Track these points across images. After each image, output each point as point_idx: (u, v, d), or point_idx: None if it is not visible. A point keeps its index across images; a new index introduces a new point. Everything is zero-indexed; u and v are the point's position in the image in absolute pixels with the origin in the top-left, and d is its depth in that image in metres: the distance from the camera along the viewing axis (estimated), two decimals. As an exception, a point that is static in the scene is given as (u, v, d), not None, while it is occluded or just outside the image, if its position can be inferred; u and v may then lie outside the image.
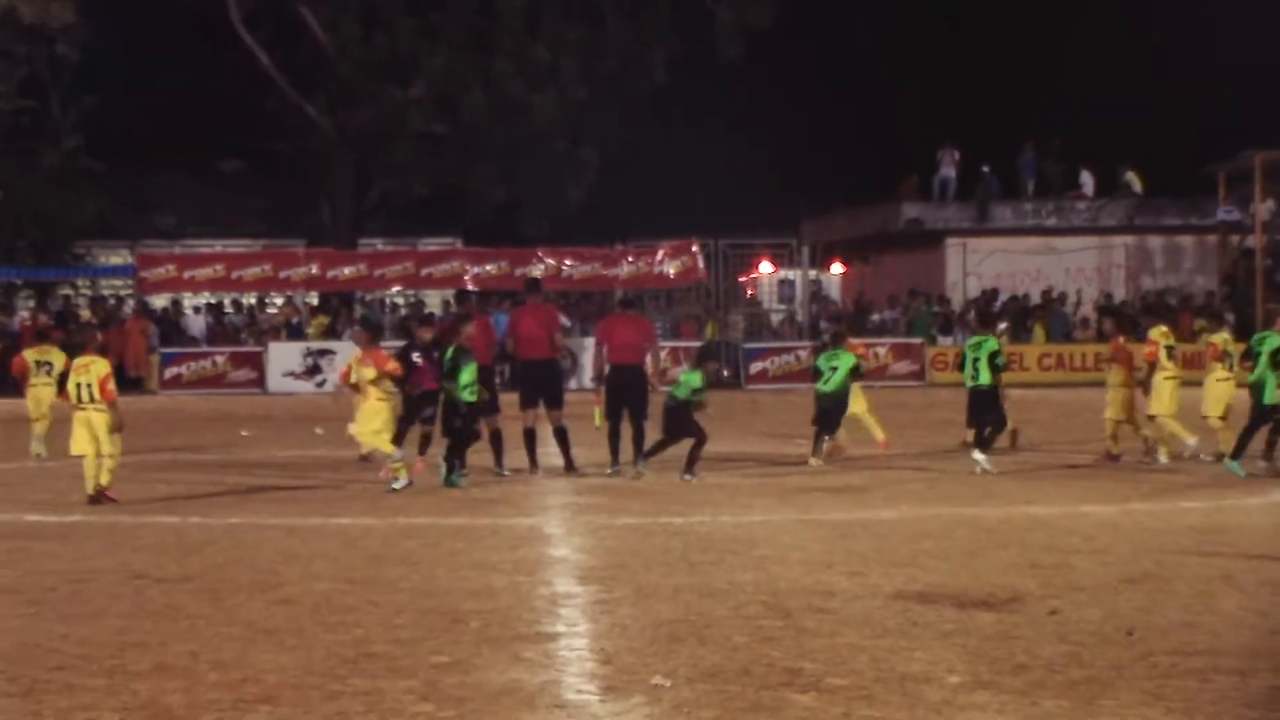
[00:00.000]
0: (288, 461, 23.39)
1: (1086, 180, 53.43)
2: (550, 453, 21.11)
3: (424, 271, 46.84)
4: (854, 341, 24.39)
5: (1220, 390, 21.44)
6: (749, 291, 52.25)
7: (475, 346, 19.97)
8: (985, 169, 53.11)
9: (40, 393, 24.05)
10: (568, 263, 45.72)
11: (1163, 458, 21.54)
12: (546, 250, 46.52)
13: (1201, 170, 51.34)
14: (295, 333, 45.59)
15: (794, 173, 57.40)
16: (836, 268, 54.90)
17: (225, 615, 11.18)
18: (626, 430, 20.69)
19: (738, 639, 10.23)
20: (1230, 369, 21.58)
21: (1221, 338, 22.07)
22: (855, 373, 22.51)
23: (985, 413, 20.64)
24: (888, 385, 42.29)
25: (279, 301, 48.07)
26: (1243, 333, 45.92)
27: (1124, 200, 53.24)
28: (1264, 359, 20.06)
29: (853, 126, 59.00)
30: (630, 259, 46.11)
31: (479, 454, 20.62)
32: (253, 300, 48.37)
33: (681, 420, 20.25)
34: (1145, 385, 21.69)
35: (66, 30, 51.21)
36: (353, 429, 19.95)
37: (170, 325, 46.23)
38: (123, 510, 17.23)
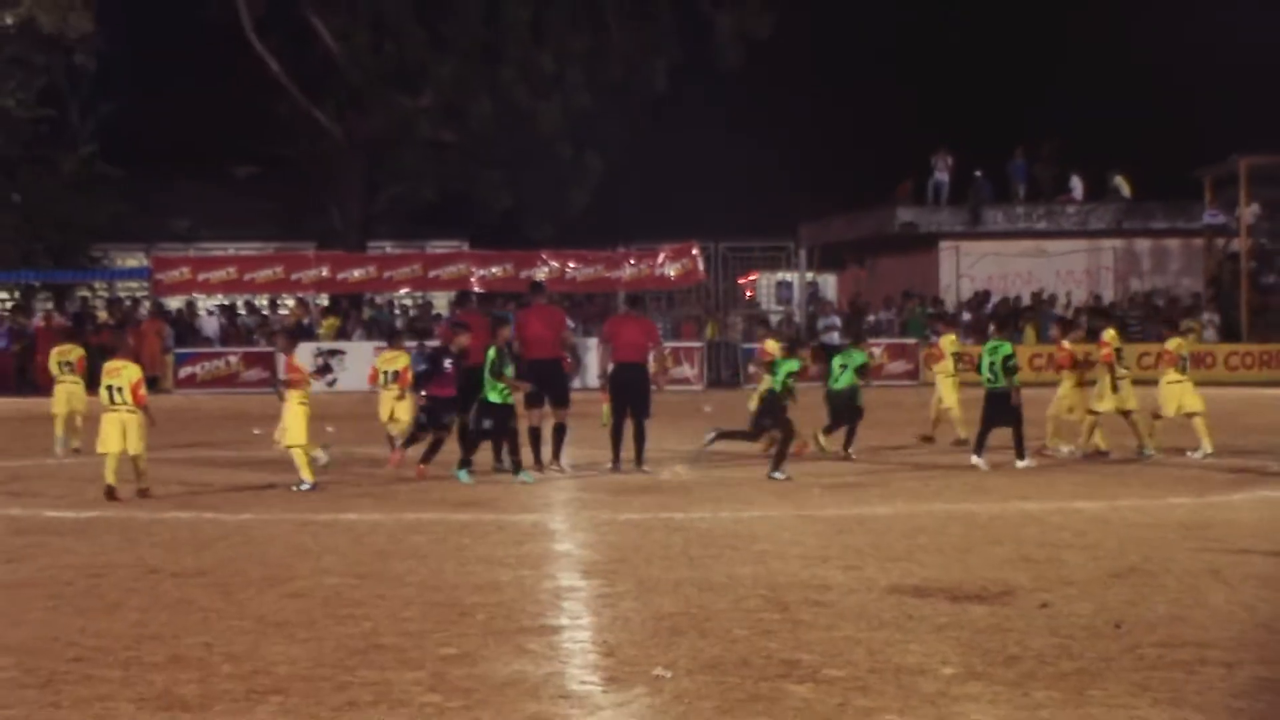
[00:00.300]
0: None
1: (1076, 185, 53.88)
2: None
3: (431, 274, 47.20)
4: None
5: (1172, 391, 22.40)
6: (748, 293, 52.52)
7: (476, 348, 20.24)
8: (977, 174, 53.70)
9: (66, 389, 24.52)
10: (571, 265, 46.10)
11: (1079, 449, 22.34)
12: (551, 253, 46.98)
13: (1188, 175, 51.73)
14: (306, 333, 45.75)
15: (792, 177, 57.71)
16: (833, 270, 55.54)
17: (237, 608, 11.30)
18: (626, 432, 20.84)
19: (737, 631, 10.35)
20: (1183, 371, 22.51)
21: (1175, 343, 22.94)
22: (863, 371, 23.21)
23: (1002, 414, 20.84)
24: (883, 385, 42.97)
25: (290, 303, 48.53)
26: (1228, 333, 47.30)
27: (1112, 204, 53.74)
28: None
29: (849, 132, 59.34)
30: (632, 261, 46.53)
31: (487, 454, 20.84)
32: (265, 302, 48.86)
33: (775, 412, 20.18)
34: (1113, 383, 22.43)
35: (84, 40, 51.64)
36: (281, 438, 19.65)
37: (185, 326, 46.71)
38: (138, 506, 17.40)
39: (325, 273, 47.01)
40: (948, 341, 25.70)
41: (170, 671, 9.34)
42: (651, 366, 21.63)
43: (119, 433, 18.11)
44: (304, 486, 18.96)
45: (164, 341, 44.58)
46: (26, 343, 43.53)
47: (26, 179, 52.04)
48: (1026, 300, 50.25)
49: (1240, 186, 49.13)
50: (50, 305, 48.91)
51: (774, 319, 50.20)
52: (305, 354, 43.84)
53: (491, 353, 19.70)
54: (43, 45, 51.96)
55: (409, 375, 22.14)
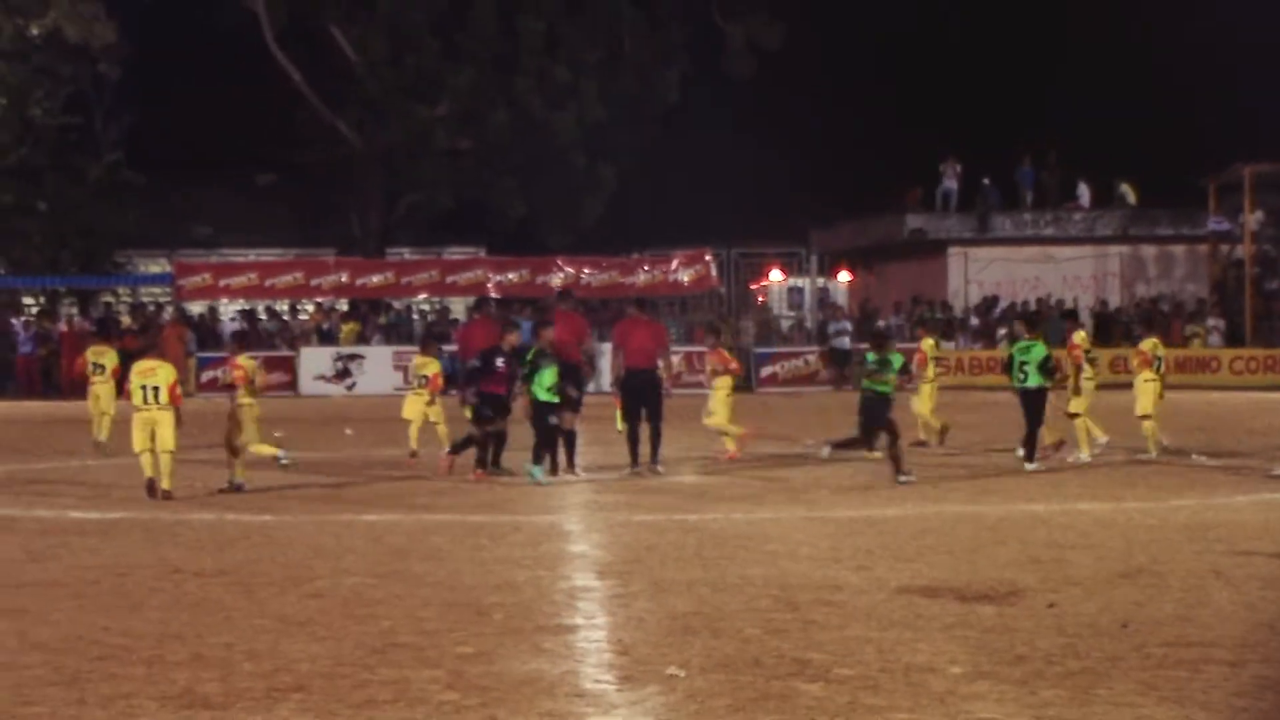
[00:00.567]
0: (318, 461, 23.16)
1: (1083, 192, 54.25)
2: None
3: (449, 279, 47.64)
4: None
5: (1148, 390, 22.70)
6: (759, 298, 52.97)
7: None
8: (985, 181, 54.08)
9: (96, 390, 24.90)
10: (586, 271, 46.48)
11: (1084, 455, 22.32)
12: (566, 259, 47.40)
13: (1194, 182, 51.80)
14: (326, 338, 46.55)
15: (803, 185, 58.33)
16: (843, 275, 55.86)
17: (259, 608, 11.29)
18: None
19: (749, 631, 10.35)
20: (1157, 371, 22.85)
21: (1150, 343, 23.36)
22: (904, 371, 23.87)
23: (1033, 413, 20.98)
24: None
25: (310, 308, 49.02)
26: (1232, 338, 47.64)
27: (1119, 211, 54.08)
28: None
29: (859, 141, 59.67)
30: (646, 267, 47.13)
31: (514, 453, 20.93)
32: (285, 307, 49.27)
33: (880, 412, 19.95)
34: (1075, 387, 22.62)
35: (108, 50, 52.28)
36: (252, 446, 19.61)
37: (206, 331, 46.96)
38: (161, 507, 17.34)
39: (344, 279, 47.46)
40: (927, 345, 26.17)
41: (193, 670, 9.36)
42: (661, 370, 21.52)
43: (148, 432, 18.18)
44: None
45: (186, 346, 44.53)
46: (52, 347, 44.05)
47: (52, 186, 52.49)
48: (1034, 306, 50.28)
49: (1245, 194, 49.18)
50: (75, 310, 49.40)
51: (785, 323, 50.84)
52: (325, 358, 44.75)
53: (530, 354, 19.91)
54: (68, 55, 52.46)
55: (439, 380, 22.78)
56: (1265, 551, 13.83)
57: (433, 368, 23.18)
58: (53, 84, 53.23)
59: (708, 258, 47.09)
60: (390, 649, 9.94)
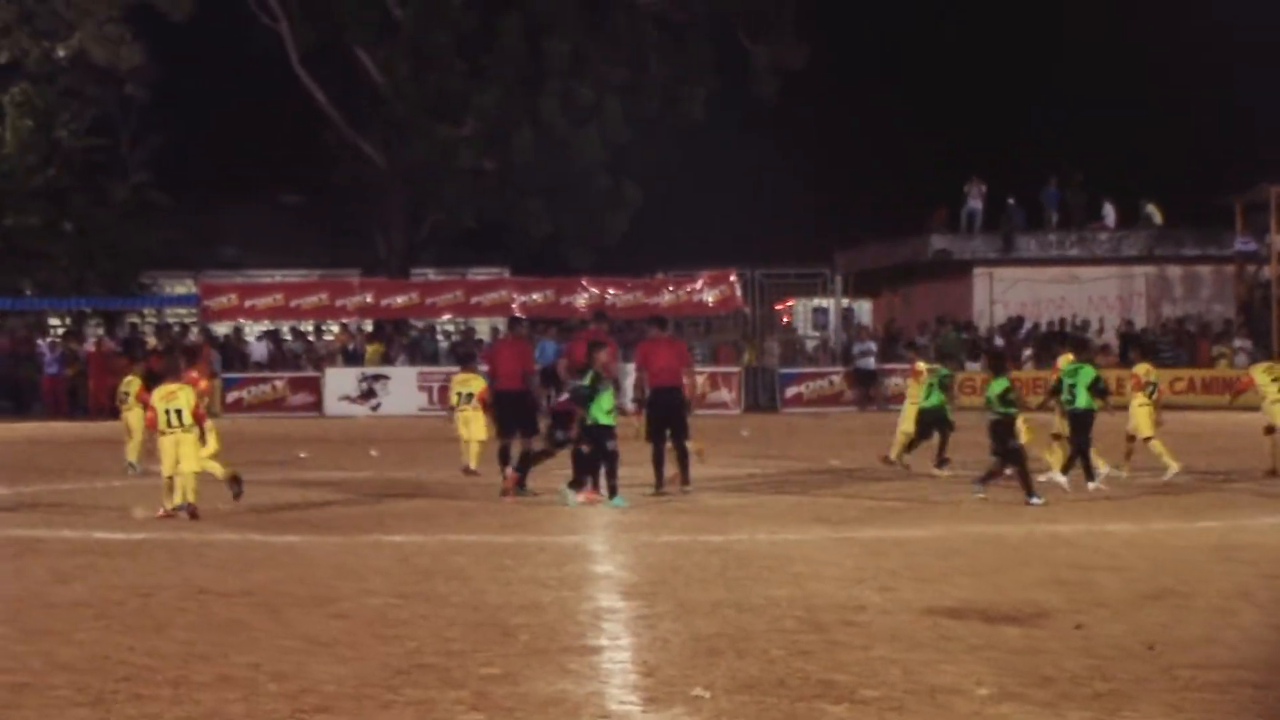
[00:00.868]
0: (343, 481, 23.40)
1: (1108, 212, 54.10)
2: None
3: (473, 300, 47.61)
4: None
5: (1143, 413, 22.70)
6: (784, 319, 53.15)
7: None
8: (1010, 201, 54.04)
9: (125, 416, 25.19)
10: (611, 292, 46.43)
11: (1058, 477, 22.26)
12: (590, 279, 47.38)
13: (1219, 202, 51.66)
14: (351, 359, 46.59)
15: (827, 205, 58.12)
16: (865, 303, 55.85)
17: (284, 628, 11.29)
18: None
19: (774, 652, 10.32)
20: (1150, 395, 22.85)
21: (1144, 368, 23.36)
22: (946, 385, 23.51)
23: (1081, 434, 20.86)
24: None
25: (335, 329, 48.98)
26: (1259, 358, 47.40)
27: (1144, 231, 53.97)
28: None
29: (884, 161, 59.74)
30: (671, 288, 47.03)
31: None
32: (310, 328, 49.35)
33: (1006, 435, 19.78)
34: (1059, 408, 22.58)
35: (135, 72, 52.50)
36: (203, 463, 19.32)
37: (232, 351, 47.11)
38: (186, 527, 17.40)
39: (369, 299, 47.53)
40: (922, 367, 26.22)
41: (218, 691, 9.38)
42: (686, 389, 21.52)
43: (174, 454, 18.42)
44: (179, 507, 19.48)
45: (211, 366, 44.68)
46: (79, 368, 44.23)
47: (79, 208, 52.63)
48: (1059, 326, 50.31)
49: (1271, 213, 48.93)
50: (101, 331, 49.53)
51: (810, 344, 50.82)
52: (350, 379, 44.84)
53: (588, 377, 19.75)
54: (95, 77, 52.75)
55: (487, 394, 22.86)
56: (1293, 573, 13.75)
57: (477, 384, 23.39)
58: (79, 106, 53.51)
59: (732, 278, 47.07)
60: (415, 670, 9.93)
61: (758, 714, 8.82)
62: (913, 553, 15.18)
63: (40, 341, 46.13)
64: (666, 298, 46.51)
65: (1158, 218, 54.34)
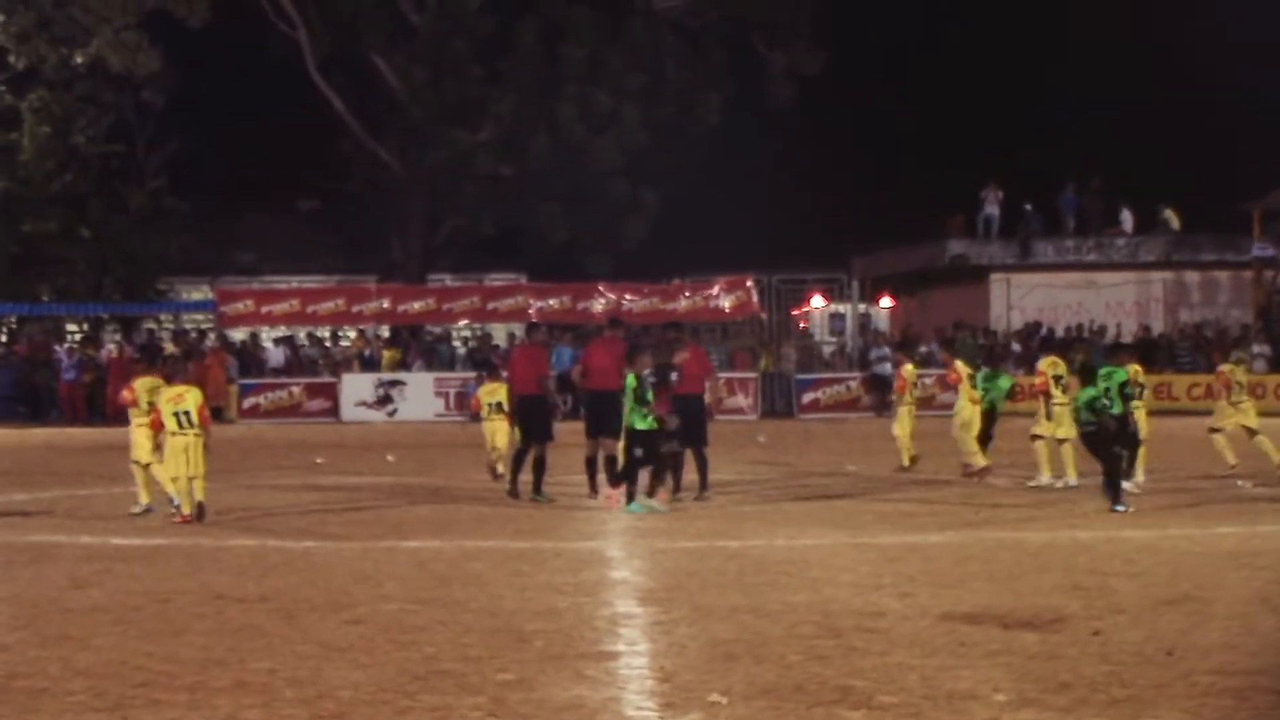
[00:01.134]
0: (360, 487, 23.48)
1: (1126, 217, 54.11)
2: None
3: (490, 306, 47.68)
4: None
5: (1135, 418, 22.42)
6: (801, 324, 52.96)
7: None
8: (1027, 207, 54.07)
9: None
10: (628, 297, 46.33)
11: (1045, 478, 22.41)
12: (607, 285, 47.31)
13: (1237, 208, 51.80)
14: (368, 364, 46.54)
15: (844, 211, 58.10)
16: (885, 301, 55.80)
17: (301, 634, 11.31)
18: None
19: (791, 658, 10.34)
20: (1139, 398, 22.47)
21: (1132, 369, 22.88)
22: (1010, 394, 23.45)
23: (1121, 438, 20.47)
24: (934, 414, 43.50)
25: (352, 334, 49.03)
26: (1277, 364, 47.44)
27: (1162, 237, 53.99)
28: None
29: (900, 167, 59.82)
30: (687, 294, 46.90)
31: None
32: (327, 333, 49.25)
33: (1103, 442, 19.71)
34: (1046, 412, 22.69)
35: (152, 78, 52.56)
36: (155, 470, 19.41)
37: (249, 357, 47.13)
38: (203, 533, 17.45)
39: (386, 305, 47.60)
40: (908, 372, 26.25)
41: (235, 696, 9.42)
42: (707, 396, 21.52)
43: (184, 458, 18.50)
44: (138, 509, 19.48)
45: (228, 372, 45.01)
46: (99, 374, 44.24)
47: (96, 214, 52.73)
48: (1076, 332, 50.30)
49: (1288, 219, 49.17)
50: (119, 337, 49.54)
51: (827, 349, 50.72)
52: (367, 385, 44.89)
53: (631, 380, 19.60)
54: (112, 83, 52.82)
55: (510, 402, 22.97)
56: (1313, 580, 13.72)
57: (504, 393, 23.44)
58: (96, 112, 53.59)
59: (749, 284, 46.96)
60: (432, 676, 9.94)
61: (775, 719, 8.82)
62: (930, 558, 15.16)
63: (57, 348, 46.14)
64: (683, 303, 46.44)
65: (1175, 223, 54.41)
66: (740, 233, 55.91)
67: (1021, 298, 53.06)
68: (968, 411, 23.70)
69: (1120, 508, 18.98)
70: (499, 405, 23.43)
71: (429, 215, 55.99)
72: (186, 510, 18.48)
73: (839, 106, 58.16)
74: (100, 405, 43.43)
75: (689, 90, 53.78)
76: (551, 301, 46.88)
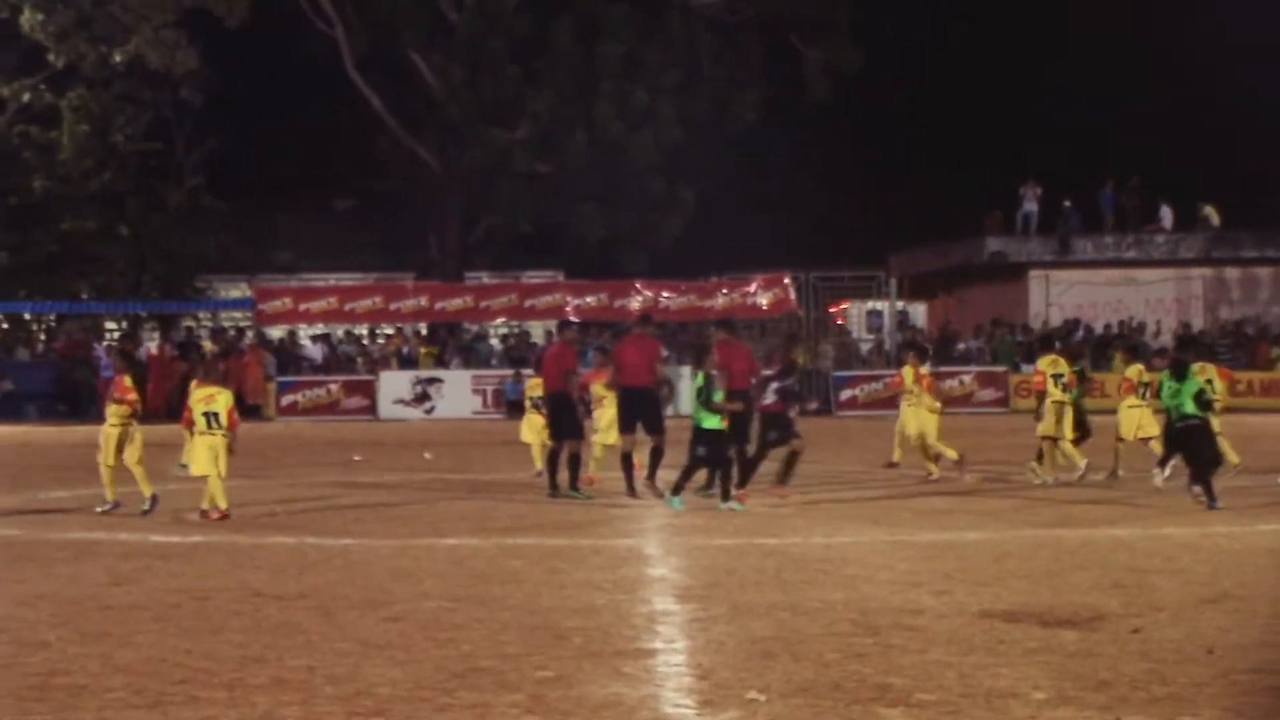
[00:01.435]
0: (397, 484, 23.56)
1: (1165, 214, 54.02)
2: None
3: (527, 303, 47.78)
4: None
5: (1131, 416, 22.79)
6: (838, 321, 53.02)
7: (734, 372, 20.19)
8: (1066, 204, 53.96)
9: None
10: (665, 295, 46.49)
11: (1048, 478, 22.40)
12: (644, 283, 47.40)
13: (1277, 203, 51.71)
14: (405, 362, 46.72)
15: (882, 208, 58.20)
16: (917, 307, 55.70)
17: (339, 631, 11.31)
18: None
19: (829, 655, 10.30)
20: (1142, 398, 22.83)
21: (1136, 370, 23.32)
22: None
23: (1201, 444, 20.07)
24: (972, 412, 43.38)
25: (389, 332, 49.22)
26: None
27: (1202, 233, 53.87)
28: None
29: (938, 163, 59.67)
30: (725, 291, 46.97)
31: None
32: (364, 331, 49.53)
33: (1206, 437, 19.62)
34: (1037, 411, 22.92)
35: (190, 77, 52.84)
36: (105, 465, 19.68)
37: (287, 355, 47.37)
38: (241, 531, 17.52)
39: (423, 302, 47.74)
40: (908, 372, 26.22)
41: (273, 693, 9.40)
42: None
43: (210, 457, 18.69)
44: (105, 507, 19.51)
45: (266, 370, 45.34)
46: (138, 372, 44.32)
47: (134, 212, 52.99)
48: (1115, 329, 50.18)
49: (1329, 215, 49.08)
50: (157, 335, 49.80)
51: (864, 347, 50.63)
52: (404, 382, 45.00)
53: (700, 378, 19.66)
54: (150, 82, 53.17)
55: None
56: (1353, 577, 13.68)
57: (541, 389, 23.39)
58: (135, 110, 53.97)
59: (786, 281, 46.98)
60: (470, 673, 9.93)
61: (813, 717, 8.82)
62: (968, 556, 15.12)
63: (96, 346, 46.32)
64: (720, 301, 46.47)
65: (1215, 219, 54.28)
66: (777, 230, 55.99)
67: (1060, 295, 53.00)
68: (923, 419, 23.72)
69: (1218, 505, 18.85)
70: (540, 400, 23.33)
71: (466, 213, 56.07)
72: (224, 505, 18.60)
73: (876, 103, 58.00)
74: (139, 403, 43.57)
75: (725, 87, 53.79)
76: (589, 299, 46.98)
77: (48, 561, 15.29)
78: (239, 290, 56.22)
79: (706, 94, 53.66)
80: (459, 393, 44.69)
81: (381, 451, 31.27)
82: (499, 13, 51.97)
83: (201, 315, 54.15)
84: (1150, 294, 53.02)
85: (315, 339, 48.52)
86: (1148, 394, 22.98)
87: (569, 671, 9.95)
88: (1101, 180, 54.51)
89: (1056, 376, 22.90)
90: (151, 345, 47.13)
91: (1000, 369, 46.66)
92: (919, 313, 55.98)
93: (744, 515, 18.85)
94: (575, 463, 21.15)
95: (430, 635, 11.18)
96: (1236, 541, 16.17)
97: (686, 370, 42.44)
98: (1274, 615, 11.79)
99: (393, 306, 47.70)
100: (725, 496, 19.54)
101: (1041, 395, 22.86)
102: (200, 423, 18.83)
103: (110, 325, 52.75)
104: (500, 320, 49.95)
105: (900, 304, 51.69)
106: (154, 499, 19.37)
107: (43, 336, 50.20)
